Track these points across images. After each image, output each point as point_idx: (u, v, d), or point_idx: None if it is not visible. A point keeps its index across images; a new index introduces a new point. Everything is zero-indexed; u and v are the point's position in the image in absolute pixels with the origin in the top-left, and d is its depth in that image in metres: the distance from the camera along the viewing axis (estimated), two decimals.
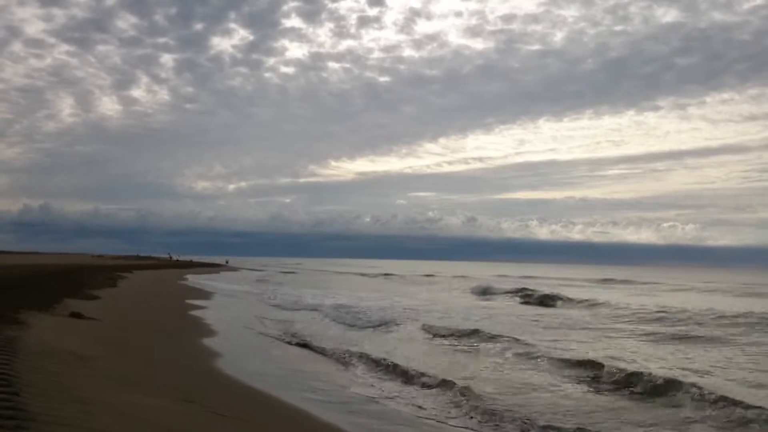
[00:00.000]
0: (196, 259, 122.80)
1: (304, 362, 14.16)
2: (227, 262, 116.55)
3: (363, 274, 78.57)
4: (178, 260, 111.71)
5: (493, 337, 17.13)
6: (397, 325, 20.36)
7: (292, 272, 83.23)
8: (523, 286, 45.32)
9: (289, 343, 16.96)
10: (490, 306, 32.86)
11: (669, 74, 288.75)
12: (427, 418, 9.59)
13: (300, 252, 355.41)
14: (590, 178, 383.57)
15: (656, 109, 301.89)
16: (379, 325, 19.86)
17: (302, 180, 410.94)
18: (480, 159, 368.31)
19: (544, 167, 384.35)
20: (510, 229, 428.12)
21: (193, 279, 53.50)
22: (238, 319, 22.71)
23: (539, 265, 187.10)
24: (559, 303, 34.15)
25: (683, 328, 21.40)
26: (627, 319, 25.73)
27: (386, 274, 73.24)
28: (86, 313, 16.44)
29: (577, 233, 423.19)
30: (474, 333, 17.87)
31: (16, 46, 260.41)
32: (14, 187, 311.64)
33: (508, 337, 17.26)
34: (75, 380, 7.90)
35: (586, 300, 33.90)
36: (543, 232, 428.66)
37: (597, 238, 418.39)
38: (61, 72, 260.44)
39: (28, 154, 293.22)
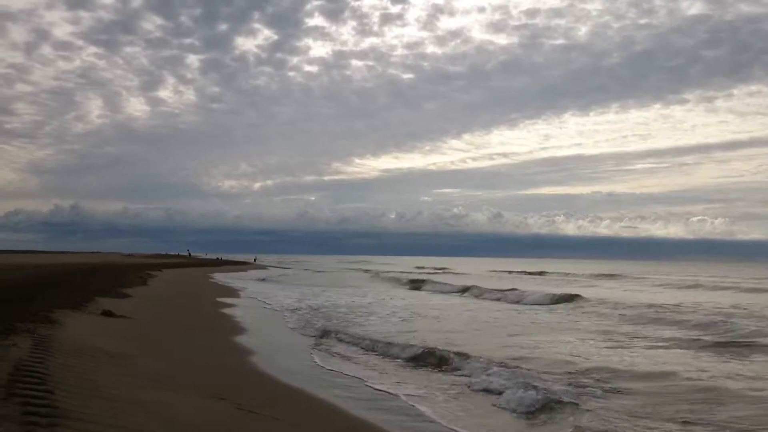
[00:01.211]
0: (224, 257, 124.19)
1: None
2: (255, 260, 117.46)
3: (367, 271, 79.21)
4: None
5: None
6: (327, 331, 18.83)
7: (321, 271, 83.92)
8: (513, 285, 43.34)
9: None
10: (432, 304, 30.66)
11: (695, 67, 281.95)
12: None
13: (326, 250, 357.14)
14: (617, 173, 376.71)
15: (683, 102, 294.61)
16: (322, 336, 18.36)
17: (327, 178, 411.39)
18: (505, 155, 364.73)
19: (570, 162, 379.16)
20: (536, 224, 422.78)
21: (223, 277, 53.96)
22: (266, 317, 22.83)
23: (564, 261, 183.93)
24: (516, 299, 33.64)
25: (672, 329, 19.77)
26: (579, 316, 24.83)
27: (380, 272, 72.73)
28: (118, 312, 16.60)
29: (604, 228, 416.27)
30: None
31: (45, 49, 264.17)
32: (45, 188, 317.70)
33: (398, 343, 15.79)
34: (107, 378, 7.91)
35: (564, 296, 31.98)
36: (570, 228, 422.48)
37: (625, 233, 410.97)
38: (89, 74, 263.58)
39: (58, 155, 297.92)
